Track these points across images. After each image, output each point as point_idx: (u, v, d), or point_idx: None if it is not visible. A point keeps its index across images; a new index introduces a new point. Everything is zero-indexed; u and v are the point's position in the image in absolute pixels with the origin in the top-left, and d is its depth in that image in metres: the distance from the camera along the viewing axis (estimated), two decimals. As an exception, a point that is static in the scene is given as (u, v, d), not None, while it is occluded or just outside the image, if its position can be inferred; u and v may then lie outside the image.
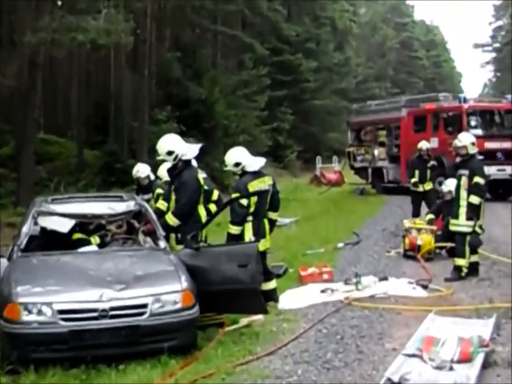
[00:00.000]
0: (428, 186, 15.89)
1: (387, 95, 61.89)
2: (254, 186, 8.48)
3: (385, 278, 10.13)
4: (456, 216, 10.52)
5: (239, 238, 8.45)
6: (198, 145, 8.91)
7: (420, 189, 15.83)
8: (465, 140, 10.63)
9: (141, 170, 11.79)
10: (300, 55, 46.37)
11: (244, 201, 8.38)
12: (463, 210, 10.34)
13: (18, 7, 20.87)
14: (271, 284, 8.91)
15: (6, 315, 6.38)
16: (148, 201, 10.40)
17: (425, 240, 12.02)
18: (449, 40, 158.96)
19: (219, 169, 28.05)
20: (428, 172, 15.92)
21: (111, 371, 6.27)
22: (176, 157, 8.47)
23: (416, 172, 15.77)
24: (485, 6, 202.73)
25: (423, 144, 16.10)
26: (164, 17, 31.90)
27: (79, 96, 32.93)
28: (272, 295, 8.78)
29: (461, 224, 10.45)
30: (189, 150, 8.62)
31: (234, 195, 8.61)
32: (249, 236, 8.48)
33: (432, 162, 16.12)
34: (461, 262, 10.40)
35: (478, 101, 24.44)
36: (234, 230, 8.47)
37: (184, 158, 8.50)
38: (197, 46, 34.18)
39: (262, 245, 8.52)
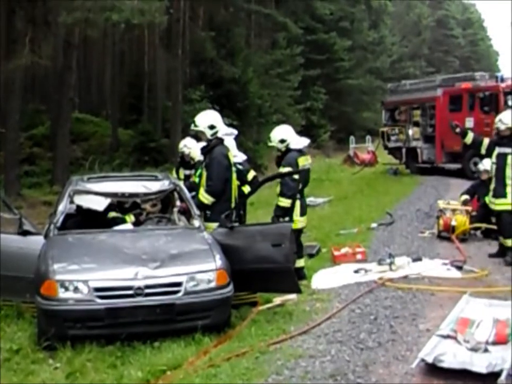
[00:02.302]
0: None
1: (422, 74, 61.26)
2: (302, 162, 8.92)
3: (419, 259, 10.08)
4: (503, 195, 10.22)
5: (288, 211, 8.77)
6: (235, 131, 8.93)
7: None
8: (508, 120, 10.30)
9: (188, 145, 11.37)
10: (333, 33, 46.10)
11: (296, 175, 8.72)
12: (510, 190, 10.06)
13: (53, -13, 20.96)
14: (301, 262, 9.12)
15: (43, 292, 6.47)
16: (189, 176, 10.36)
17: (460, 221, 11.91)
18: (486, 18, 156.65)
19: (252, 148, 28.18)
20: None
21: (146, 348, 6.35)
22: (215, 133, 8.47)
23: None
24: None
25: None
26: (198, -4, 31.86)
27: (113, 76, 33.19)
28: (299, 273, 8.85)
29: (509, 203, 10.18)
30: (225, 129, 8.67)
31: (285, 169, 8.82)
32: (296, 213, 8.85)
33: None
34: (510, 243, 10.17)
35: (515, 80, 23.99)
36: (286, 203, 8.75)
37: (219, 135, 8.54)
38: (231, 25, 34.10)
39: (304, 221, 9.11)
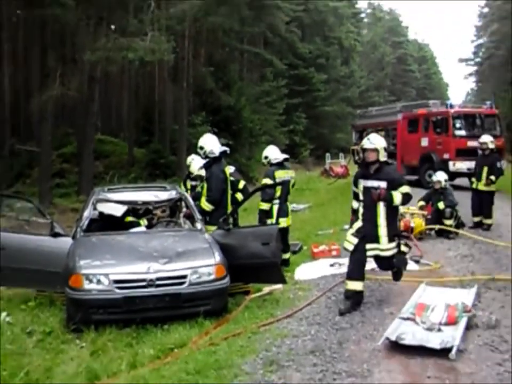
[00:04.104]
0: None
1: (385, 102, 61.29)
2: (279, 175, 9.11)
3: (383, 255, 10.06)
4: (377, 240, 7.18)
5: (268, 213, 8.99)
6: (223, 148, 8.84)
7: None
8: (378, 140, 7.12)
9: (194, 159, 10.75)
10: (312, 69, 46.20)
11: (270, 183, 8.99)
12: (384, 232, 7.14)
13: (79, 30, 20.99)
14: (286, 256, 9.30)
15: (71, 284, 6.47)
16: (195, 187, 10.28)
17: (417, 223, 11.93)
18: (437, 55, 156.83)
19: (245, 164, 28.21)
20: None
21: (157, 330, 6.35)
22: (205, 152, 8.59)
23: None
24: (468, 27, 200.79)
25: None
26: (199, 38, 31.90)
27: (129, 104, 33.21)
28: (286, 262, 9.14)
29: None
30: (216, 149, 8.62)
31: (264, 179, 9.15)
32: (275, 215, 9.00)
33: None
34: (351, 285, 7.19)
35: (462, 107, 24.04)
36: (264, 206, 8.99)
37: (211, 155, 8.54)
38: (227, 62, 34.18)
39: (285, 222, 9.14)
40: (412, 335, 5.78)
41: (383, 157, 6.92)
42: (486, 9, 72.65)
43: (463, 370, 5.20)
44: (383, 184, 6.88)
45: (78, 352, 5.87)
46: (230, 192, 8.77)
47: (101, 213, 8.59)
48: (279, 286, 7.86)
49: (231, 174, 9.16)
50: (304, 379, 5.11)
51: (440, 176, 12.44)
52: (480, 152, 13.14)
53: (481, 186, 12.73)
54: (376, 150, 6.90)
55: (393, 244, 7.09)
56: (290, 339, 6.06)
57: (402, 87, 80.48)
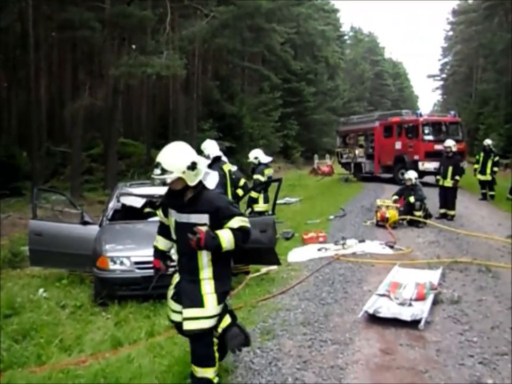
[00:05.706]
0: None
1: (365, 111, 61.19)
2: (267, 172, 9.87)
3: (363, 240, 10.10)
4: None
5: (255, 201, 9.57)
6: (216, 154, 8.73)
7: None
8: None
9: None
10: (303, 83, 46.17)
11: (262, 178, 9.65)
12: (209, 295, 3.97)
13: (105, 49, 20.94)
14: None
15: (98, 265, 6.50)
16: None
17: (392, 214, 11.94)
18: (409, 72, 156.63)
19: (246, 163, 28.08)
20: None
21: (171, 304, 6.32)
22: (203, 154, 8.54)
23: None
24: (435, 48, 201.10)
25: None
26: (207, 56, 31.84)
27: (147, 112, 33.07)
28: None
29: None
30: (211, 154, 8.56)
31: (256, 175, 9.81)
32: (261, 202, 9.59)
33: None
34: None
35: (430, 116, 24.05)
36: (254, 195, 9.54)
37: (211, 156, 8.50)
38: (230, 76, 34.14)
39: (265, 208, 9.69)
40: (387, 309, 5.79)
41: (194, 180, 3.82)
42: (450, 33, 72.69)
43: (430, 339, 5.21)
44: (203, 219, 3.82)
45: (104, 322, 5.87)
46: (232, 188, 8.75)
47: (123, 205, 8.58)
48: (274, 267, 7.87)
49: (233, 172, 9.15)
50: (295, 346, 5.12)
51: (411, 174, 12.45)
52: (444, 154, 13.15)
53: (447, 183, 12.74)
54: (179, 178, 3.80)
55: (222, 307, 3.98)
56: (284, 312, 6.06)
57: (379, 99, 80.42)
